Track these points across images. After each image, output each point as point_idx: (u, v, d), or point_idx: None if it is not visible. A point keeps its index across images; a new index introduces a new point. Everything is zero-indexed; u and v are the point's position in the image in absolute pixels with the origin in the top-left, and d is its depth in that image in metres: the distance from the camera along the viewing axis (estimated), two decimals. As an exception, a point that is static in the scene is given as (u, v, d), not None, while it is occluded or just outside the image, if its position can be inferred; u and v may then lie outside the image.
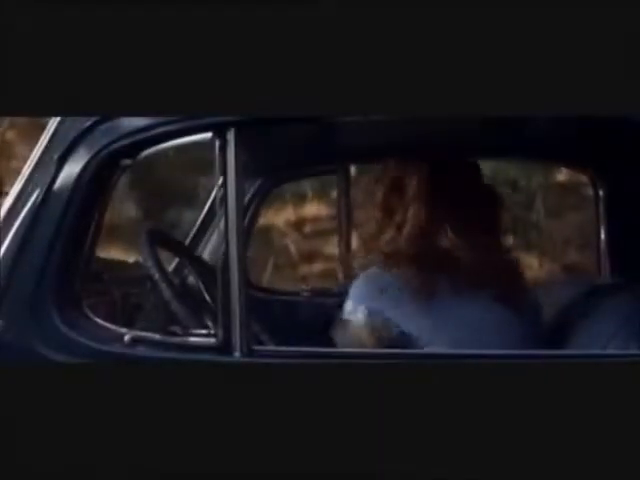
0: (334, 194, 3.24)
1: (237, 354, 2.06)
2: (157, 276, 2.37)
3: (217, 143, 2.08)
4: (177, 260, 2.93)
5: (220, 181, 2.08)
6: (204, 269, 2.80)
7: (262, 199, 3.25)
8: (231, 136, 2.07)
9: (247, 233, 3.00)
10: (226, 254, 2.08)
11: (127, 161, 2.18)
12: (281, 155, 2.97)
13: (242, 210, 2.11)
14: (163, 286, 2.33)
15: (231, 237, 2.08)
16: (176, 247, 2.86)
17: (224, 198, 2.07)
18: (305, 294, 3.31)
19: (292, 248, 6.81)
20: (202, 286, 2.64)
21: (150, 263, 2.40)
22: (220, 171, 2.08)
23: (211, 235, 3.16)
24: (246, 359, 2.06)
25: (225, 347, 2.06)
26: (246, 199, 3.05)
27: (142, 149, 2.17)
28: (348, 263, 3.23)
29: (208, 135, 2.10)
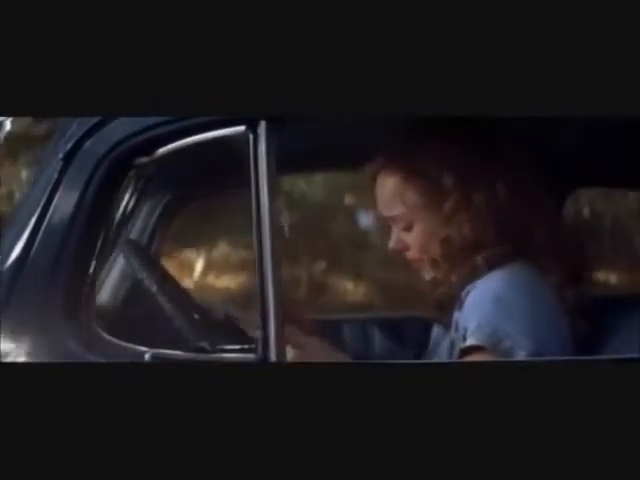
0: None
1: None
2: (155, 289, 2.17)
3: (250, 137, 1.88)
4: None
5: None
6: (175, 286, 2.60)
7: (169, 220, 2.80)
8: (262, 130, 1.88)
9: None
10: (260, 263, 1.88)
11: (143, 159, 1.98)
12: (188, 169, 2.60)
13: (277, 227, 1.90)
14: (164, 299, 2.13)
15: (265, 247, 1.88)
16: (147, 260, 2.64)
17: (257, 218, 1.88)
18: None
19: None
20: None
21: (145, 275, 2.19)
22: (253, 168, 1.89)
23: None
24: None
25: (264, 362, 1.90)
26: (153, 220, 2.74)
27: (159, 146, 1.98)
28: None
29: (232, 130, 1.91)
